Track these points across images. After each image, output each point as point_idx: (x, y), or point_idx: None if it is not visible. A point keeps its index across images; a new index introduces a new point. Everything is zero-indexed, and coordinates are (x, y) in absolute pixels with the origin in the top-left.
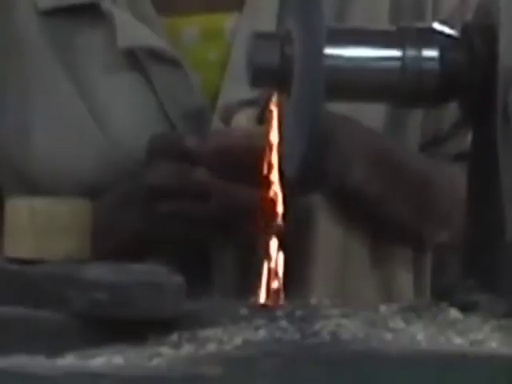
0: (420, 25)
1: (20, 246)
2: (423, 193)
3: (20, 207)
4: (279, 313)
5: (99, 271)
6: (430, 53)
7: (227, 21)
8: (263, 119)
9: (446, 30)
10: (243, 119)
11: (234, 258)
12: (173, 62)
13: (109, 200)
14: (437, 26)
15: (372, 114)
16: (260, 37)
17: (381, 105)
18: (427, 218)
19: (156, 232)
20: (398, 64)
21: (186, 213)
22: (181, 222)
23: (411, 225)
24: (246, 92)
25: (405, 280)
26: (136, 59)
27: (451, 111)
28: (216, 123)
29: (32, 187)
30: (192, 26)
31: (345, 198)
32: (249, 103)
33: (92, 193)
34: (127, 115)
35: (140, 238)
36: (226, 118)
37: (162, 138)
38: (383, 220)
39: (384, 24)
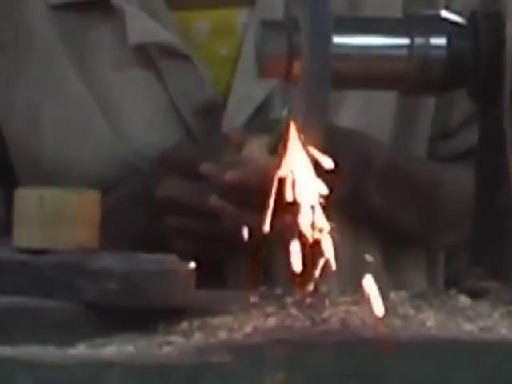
0: (427, 12)
1: (29, 236)
2: (431, 201)
3: (29, 197)
4: (289, 300)
5: (109, 260)
6: (438, 40)
7: (239, 16)
8: (276, 148)
9: (453, 17)
10: (255, 147)
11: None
12: (184, 58)
13: (118, 197)
14: (444, 13)
15: (382, 113)
16: (267, 26)
17: (391, 103)
18: (435, 224)
19: (163, 241)
20: (405, 52)
21: (193, 230)
22: (187, 237)
23: (419, 231)
24: (256, 88)
25: (417, 279)
26: (147, 55)
27: (462, 106)
28: (226, 123)
29: (43, 178)
30: (203, 21)
31: (354, 209)
32: (261, 129)
33: (100, 187)
34: (137, 110)
35: (148, 238)
36: (238, 144)
37: (178, 153)
38: (392, 227)
39: (397, 13)
